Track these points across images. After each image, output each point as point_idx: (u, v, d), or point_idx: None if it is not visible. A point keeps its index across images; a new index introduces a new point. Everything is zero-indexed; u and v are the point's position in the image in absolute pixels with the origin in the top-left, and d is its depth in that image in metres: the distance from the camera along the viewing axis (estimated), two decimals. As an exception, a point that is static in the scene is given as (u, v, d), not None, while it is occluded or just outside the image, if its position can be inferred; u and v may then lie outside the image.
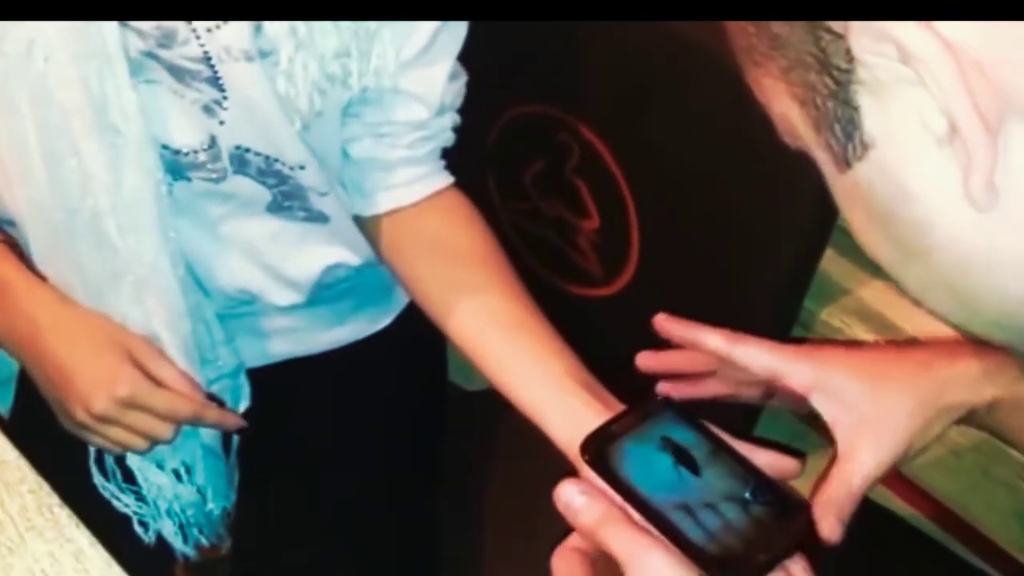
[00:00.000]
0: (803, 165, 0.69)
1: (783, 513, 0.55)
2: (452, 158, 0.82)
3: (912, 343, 0.67)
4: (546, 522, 0.91)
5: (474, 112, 0.79)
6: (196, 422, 0.80)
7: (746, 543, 0.53)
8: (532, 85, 0.88)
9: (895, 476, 0.92)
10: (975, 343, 0.67)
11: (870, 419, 0.61)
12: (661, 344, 0.90)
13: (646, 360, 0.74)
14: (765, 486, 0.56)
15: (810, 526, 0.57)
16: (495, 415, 0.76)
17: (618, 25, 0.78)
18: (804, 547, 0.55)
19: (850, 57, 0.34)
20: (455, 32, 0.73)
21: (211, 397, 0.79)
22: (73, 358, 0.74)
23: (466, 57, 0.76)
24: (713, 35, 0.72)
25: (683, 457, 0.58)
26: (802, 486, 0.65)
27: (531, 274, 0.92)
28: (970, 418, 0.62)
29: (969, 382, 0.61)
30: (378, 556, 0.85)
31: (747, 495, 0.55)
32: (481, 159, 0.94)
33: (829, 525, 0.59)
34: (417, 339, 0.93)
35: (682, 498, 0.56)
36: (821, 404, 0.63)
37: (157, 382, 0.76)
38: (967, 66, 0.31)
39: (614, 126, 0.84)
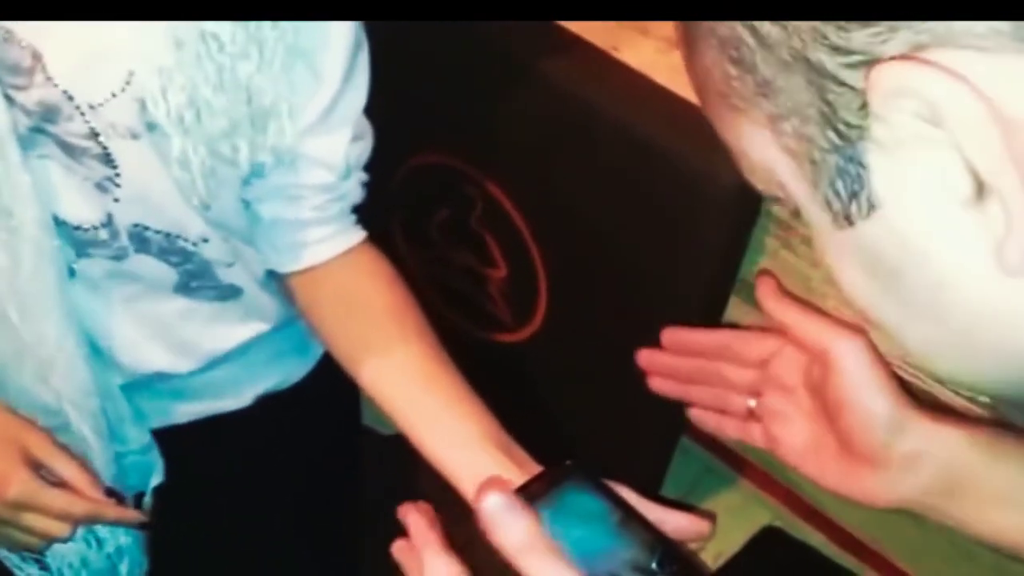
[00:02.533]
0: (706, 215, 0.72)
1: None
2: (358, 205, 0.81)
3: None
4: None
5: (380, 155, 0.79)
6: (93, 521, 0.78)
7: None
8: (435, 136, 0.89)
9: (817, 515, 0.94)
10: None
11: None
12: (573, 386, 0.92)
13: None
14: (672, 555, 0.56)
15: None
16: (412, 458, 0.76)
17: (522, 81, 0.80)
18: None
19: (863, 113, 0.32)
20: (355, 96, 0.72)
21: (111, 492, 0.77)
22: None
23: (370, 105, 0.75)
24: (613, 96, 0.74)
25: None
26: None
27: (441, 320, 0.93)
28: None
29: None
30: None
31: (654, 565, 0.55)
32: (387, 203, 0.94)
33: None
34: (330, 389, 0.93)
35: (592, 568, 0.54)
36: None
37: (56, 478, 0.75)
38: (1008, 125, 0.29)
39: (515, 179, 0.86)
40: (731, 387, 0.64)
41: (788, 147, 0.35)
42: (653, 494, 0.88)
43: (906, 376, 0.66)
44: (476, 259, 0.91)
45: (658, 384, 0.68)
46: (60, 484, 0.75)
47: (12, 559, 0.82)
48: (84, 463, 0.76)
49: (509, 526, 0.48)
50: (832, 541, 0.95)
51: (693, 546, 0.65)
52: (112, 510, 0.77)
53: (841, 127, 0.32)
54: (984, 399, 0.67)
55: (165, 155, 0.66)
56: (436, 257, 0.95)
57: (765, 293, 0.59)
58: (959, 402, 0.70)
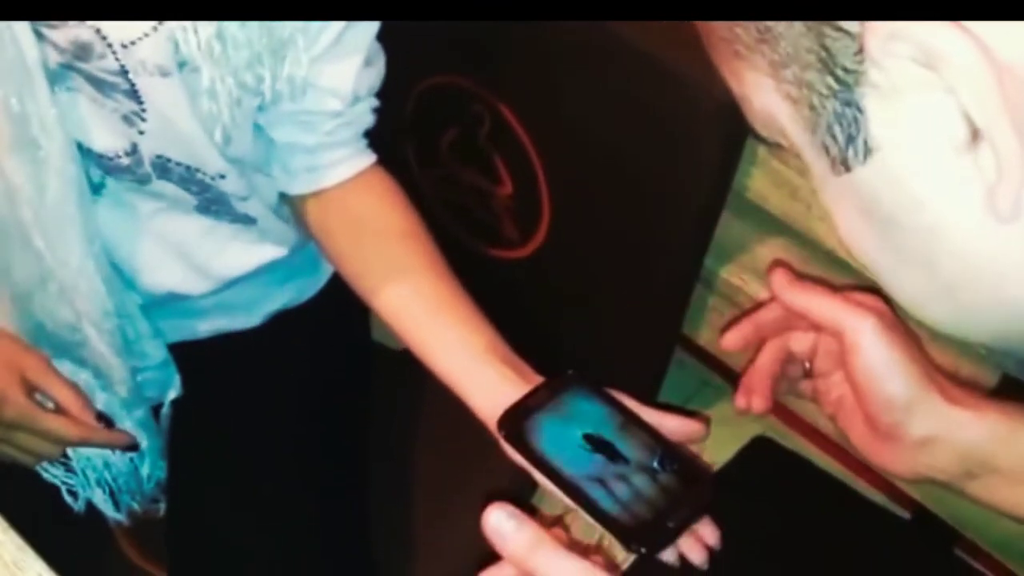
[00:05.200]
0: (701, 125, 0.74)
1: (689, 480, 0.58)
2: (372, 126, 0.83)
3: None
4: (473, 476, 0.95)
5: (391, 80, 0.80)
6: (83, 444, 0.83)
7: (655, 511, 0.56)
8: (446, 56, 0.90)
9: (806, 426, 0.97)
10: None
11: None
12: (573, 301, 0.94)
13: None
14: (672, 455, 0.59)
15: (713, 491, 0.60)
16: (422, 373, 0.79)
17: None
18: (710, 511, 0.59)
19: (860, 58, 0.32)
20: (363, 31, 0.74)
21: (101, 417, 0.82)
22: None
23: (383, 30, 0.76)
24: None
25: (602, 447, 0.60)
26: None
27: (451, 237, 0.95)
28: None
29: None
30: (309, 516, 0.87)
31: (655, 464, 0.59)
32: (399, 126, 0.96)
33: None
34: (339, 305, 0.95)
35: (595, 470, 0.58)
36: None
37: (53, 400, 0.79)
38: (1001, 71, 0.29)
39: (520, 95, 0.86)
40: (791, 355, 0.64)
41: (788, 93, 0.35)
42: (651, 399, 0.91)
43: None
44: (483, 176, 0.93)
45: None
46: (56, 408, 0.80)
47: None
48: (77, 388, 0.81)
49: (514, 536, 0.49)
50: (824, 453, 0.98)
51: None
52: (102, 434, 0.82)
53: (839, 72, 0.33)
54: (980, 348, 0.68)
55: (193, 91, 0.68)
56: (445, 176, 0.96)
57: (779, 283, 0.59)
58: (948, 360, 0.69)
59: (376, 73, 0.78)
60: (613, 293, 0.90)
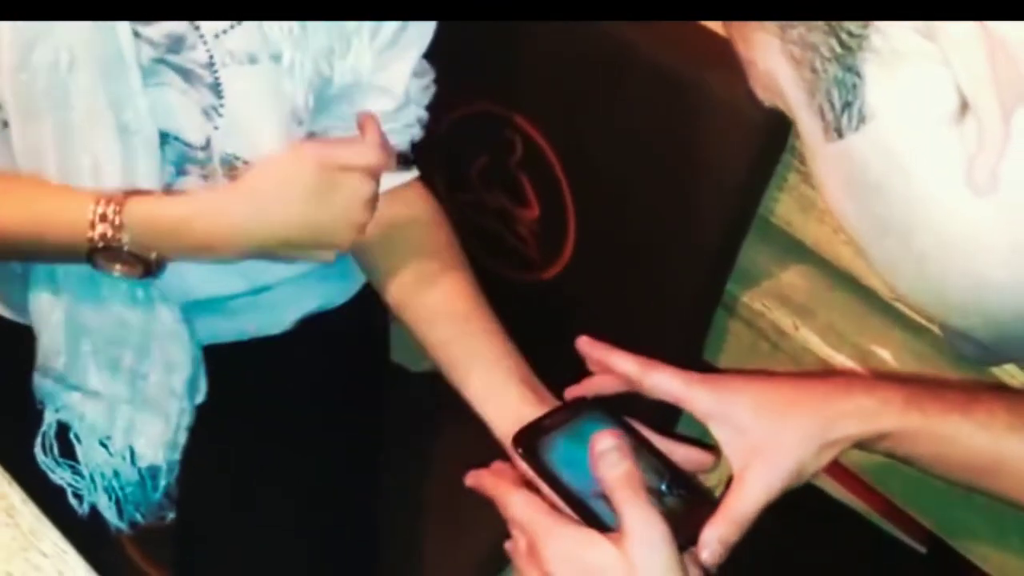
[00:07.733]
0: (732, 149, 0.73)
1: (692, 505, 0.60)
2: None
3: (811, 375, 0.66)
4: (485, 502, 0.94)
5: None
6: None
7: None
8: (480, 84, 0.91)
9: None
10: (869, 378, 0.66)
11: (762, 448, 0.60)
12: (594, 324, 0.94)
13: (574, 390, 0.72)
14: (678, 480, 0.61)
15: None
16: (439, 395, 0.79)
17: (561, 27, 0.82)
18: None
19: (865, 22, 0.33)
20: (422, 28, 0.76)
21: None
22: None
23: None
24: (646, 35, 0.75)
25: None
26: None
27: (475, 260, 0.95)
28: (861, 447, 0.62)
29: (860, 417, 0.60)
30: (319, 529, 0.86)
31: (662, 487, 0.60)
32: (428, 153, 0.97)
33: (711, 550, 0.58)
34: (359, 322, 0.96)
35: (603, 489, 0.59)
36: (717, 431, 0.63)
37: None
38: (994, 45, 0.30)
39: (554, 123, 0.88)
40: None
41: (792, 54, 0.37)
42: (669, 430, 0.90)
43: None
44: (510, 200, 0.94)
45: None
46: None
47: (47, 463, 0.86)
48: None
49: (613, 463, 0.57)
50: (839, 484, 0.98)
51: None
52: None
53: (843, 35, 0.34)
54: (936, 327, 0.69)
55: (277, 77, 0.70)
56: (471, 200, 0.97)
57: None
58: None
59: (425, 85, 0.80)
60: (634, 316, 0.90)
